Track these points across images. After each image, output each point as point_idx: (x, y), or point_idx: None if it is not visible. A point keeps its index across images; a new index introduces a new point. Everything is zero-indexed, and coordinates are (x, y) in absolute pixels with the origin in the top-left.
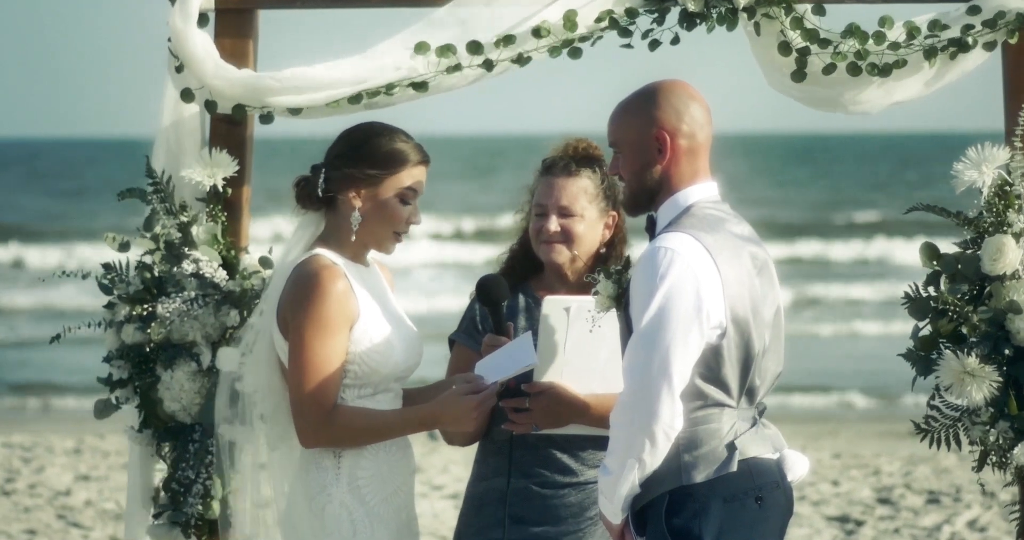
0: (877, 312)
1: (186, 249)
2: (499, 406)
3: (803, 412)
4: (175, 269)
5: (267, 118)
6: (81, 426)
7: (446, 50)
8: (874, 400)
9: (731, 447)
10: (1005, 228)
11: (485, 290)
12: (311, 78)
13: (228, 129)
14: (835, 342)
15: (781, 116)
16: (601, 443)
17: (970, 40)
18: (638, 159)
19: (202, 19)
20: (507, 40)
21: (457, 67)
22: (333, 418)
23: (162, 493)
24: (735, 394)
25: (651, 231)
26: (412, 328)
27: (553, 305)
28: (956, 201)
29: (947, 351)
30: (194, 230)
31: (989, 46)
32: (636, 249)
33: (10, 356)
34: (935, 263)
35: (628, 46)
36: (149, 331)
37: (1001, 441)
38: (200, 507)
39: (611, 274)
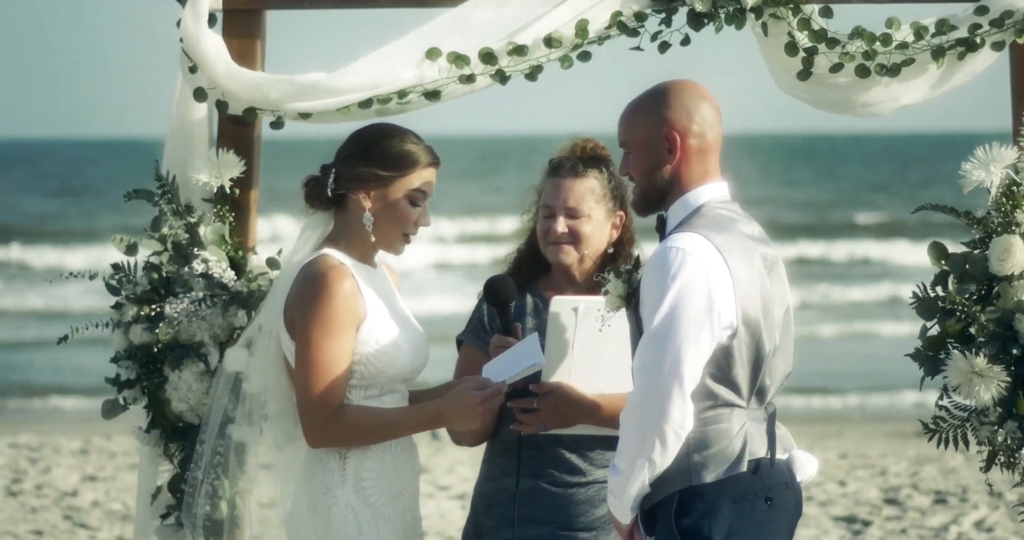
0: (879, 312)
1: (195, 249)
2: (507, 406)
3: (809, 413)
4: (183, 270)
5: (277, 124)
6: (88, 427)
7: (460, 60)
8: (879, 400)
9: (741, 447)
10: (1013, 228)
11: (493, 290)
12: (323, 84)
13: (236, 130)
14: (838, 342)
15: (782, 116)
16: (609, 443)
17: (978, 40)
18: (648, 159)
19: (210, 19)
20: (519, 50)
21: (471, 78)
22: (339, 417)
23: (166, 493)
24: (745, 394)
25: (661, 231)
26: (419, 329)
27: (562, 305)
28: (961, 201)
29: (955, 351)
30: (201, 230)
31: (997, 46)
32: (641, 249)
33: (9, 357)
34: (943, 263)
35: (638, 48)
36: (157, 331)
37: (1009, 441)
38: (208, 508)
39: (621, 273)
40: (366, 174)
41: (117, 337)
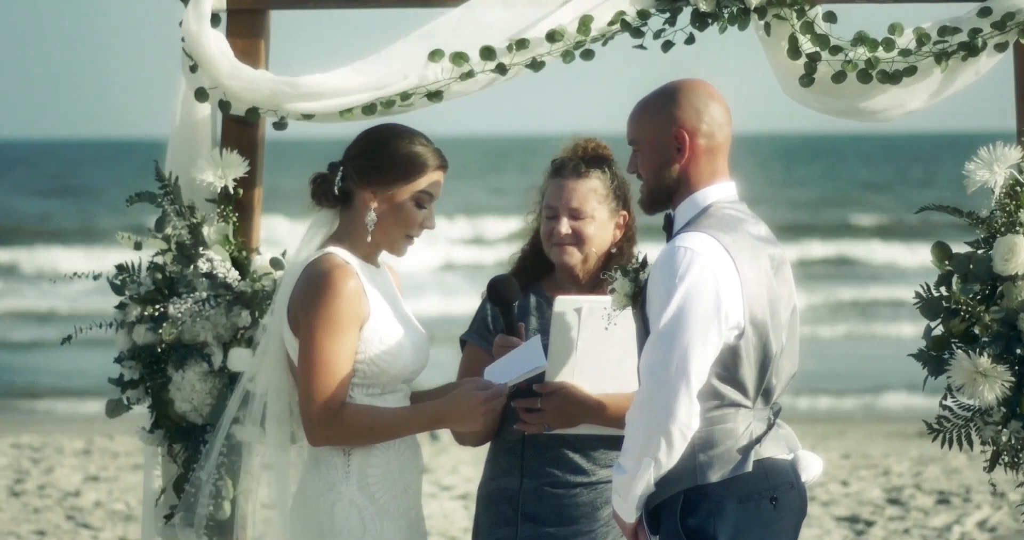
0: (882, 313)
1: (198, 249)
2: (511, 406)
3: (811, 413)
4: (187, 270)
5: (280, 125)
6: (90, 427)
7: (459, 58)
8: (881, 400)
9: (746, 447)
10: (1017, 228)
11: (496, 290)
12: (326, 86)
13: (239, 130)
14: (839, 343)
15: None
16: (613, 442)
17: (979, 42)
18: (657, 157)
19: (214, 19)
20: (520, 44)
21: (470, 74)
22: (341, 416)
23: (170, 493)
24: (752, 394)
25: (668, 230)
26: (420, 330)
27: (565, 305)
28: (963, 201)
29: (959, 351)
30: (205, 231)
31: (1001, 47)
32: (640, 248)
33: (8, 358)
34: (947, 263)
35: (641, 47)
36: (160, 332)
37: (1013, 441)
38: (212, 508)
39: (628, 272)
40: (374, 174)
41: (121, 337)
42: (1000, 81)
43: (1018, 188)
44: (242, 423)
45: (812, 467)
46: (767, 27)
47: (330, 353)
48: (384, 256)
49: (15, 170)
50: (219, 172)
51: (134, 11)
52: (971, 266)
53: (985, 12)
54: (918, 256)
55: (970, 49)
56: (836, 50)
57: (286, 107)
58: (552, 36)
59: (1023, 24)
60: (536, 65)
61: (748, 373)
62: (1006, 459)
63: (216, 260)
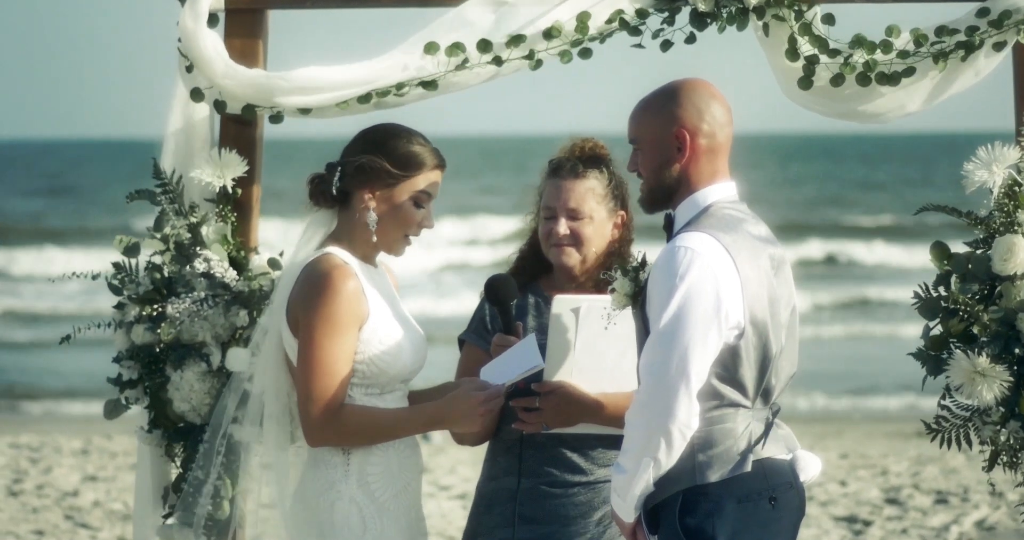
0: (881, 313)
1: (197, 248)
2: (509, 406)
3: (809, 413)
4: (185, 269)
5: (276, 118)
6: (88, 427)
7: (455, 48)
8: (879, 400)
9: (746, 447)
10: (1016, 228)
11: (493, 290)
12: (321, 79)
13: (238, 129)
14: (841, 343)
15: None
16: (611, 442)
17: (977, 41)
18: (657, 157)
19: (212, 19)
20: (517, 40)
21: (465, 63)
22: (340, 417)
23: (171, 493)
24: (751, 395)
25: (669, 230)
26: (418, 330)
27: (563, 304)
28: (963, 202)
29: (958, 351)
30: (203, 230)
31: (999, 46)
32: (640, 247)
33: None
34: (945, 263)
35: (639, 46)
36: (159, 331)
37: (1012, 441)
38: (211, 507)
39: (628, 272)
40: (372, 174)
41: (119, 337)
42: (999, 81)
43: (1016, 188)
44: (240, 423)
45: (811, 467)
46: (766, 28)
47: (329, 354)
48: (381, 256)
49: (10, 170)
50: (217, 172)
51: (131, 12)
52: (970, 266)
53: (983, 12)
54: (917, 256)
55: (968, 48)
56: (834, 53)
57: (281, 101)
58: (549, 33)
59: (1021, 23)
60: (534, 61)
61: (748, 373)
62: (1004, 459)
63: (214, 260)
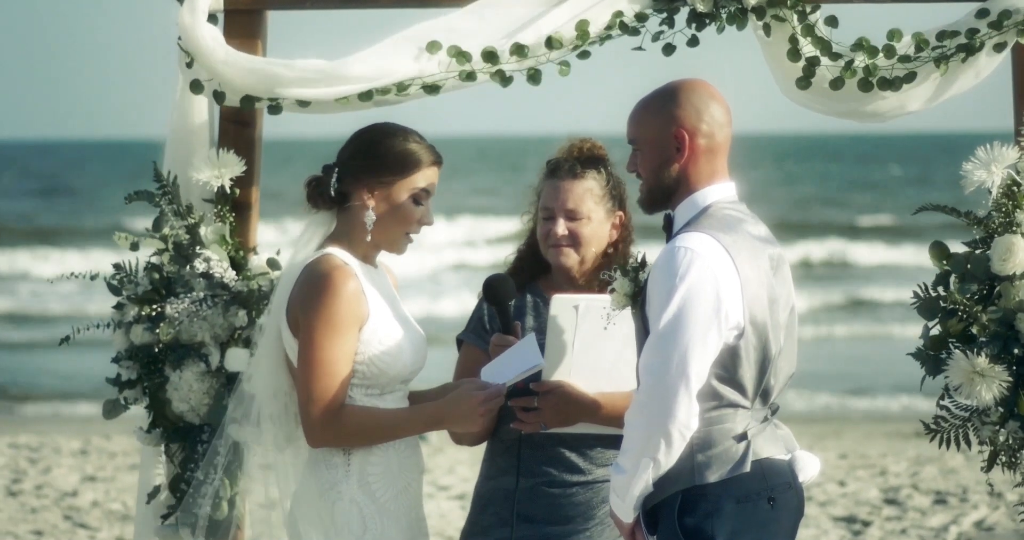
0: (880, 313)
1: (196, 248)
2: (507, 405)
3: (808, 413)
4: (184, 270)
5: (275, 108)
6: (87, 427)
7: (461, 56)
8: (878, 400)
9: (745, 448)
10: (1014, 228)
11: (492, 290)
12: (323, 70)
13: (237, 129)
14: (839, 343)
15: (779, 117)
16: (610, 442)
17: (977, 43)
18: (656, 157)
19: (211, 20)
20: (520, 51)
21: (472, 76)
22: (340, 418)
23: (166, 494)
24: (750, 395)
25: (668, 230)
26: (419, 330)
27: (562, 304)
28: (961, 201)
29: (957, 351)
30: (202, 230)
31: (999, 47)
32: (639, 247)
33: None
34: (945, 263)
35: (639, 48)
36: (158, 331)
37: (1011, 441)
38: (209, 508)
39: (628, 272)
40: (369, 173)
41: (118, 337)
42: (998, 81)
43: (1015, 188)
44: (240, 423)
45: (810, 467)
46: (766, 28)
47: (330, 354)
48: (382, 256)
49: (5, 171)
50: (216, 172)
51: (130, 12)
52: (969, 266)
53: (983, 13)
54: (916, 256)
55: (968, 50)
56: (836, 56)
57: (281, 93)
58: (550, 43)
59: (1021, 24)
60: (536, 75)
61: (747, 374)
62: (1003, 459)
63: (213, 260)
